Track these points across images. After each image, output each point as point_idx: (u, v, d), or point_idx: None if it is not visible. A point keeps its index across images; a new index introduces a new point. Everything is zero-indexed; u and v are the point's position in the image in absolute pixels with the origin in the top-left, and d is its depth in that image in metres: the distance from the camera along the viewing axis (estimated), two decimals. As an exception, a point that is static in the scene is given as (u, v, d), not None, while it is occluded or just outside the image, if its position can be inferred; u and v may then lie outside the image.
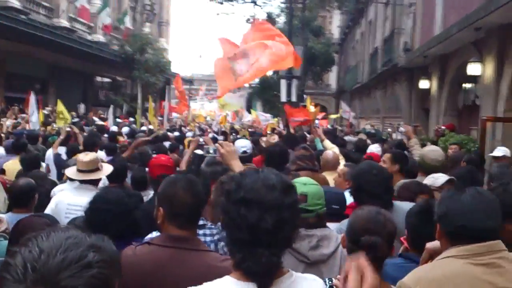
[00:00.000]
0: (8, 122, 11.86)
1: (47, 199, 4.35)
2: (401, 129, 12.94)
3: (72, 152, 7.18)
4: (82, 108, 22.84)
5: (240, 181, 1.63)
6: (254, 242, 1.55)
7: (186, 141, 10.31)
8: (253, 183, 1.61)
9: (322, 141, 6.80)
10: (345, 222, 3.28)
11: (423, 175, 4.66)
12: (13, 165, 6.43)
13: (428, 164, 4.71)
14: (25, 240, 1.07)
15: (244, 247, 1.57)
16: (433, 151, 4.83)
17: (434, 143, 8.17)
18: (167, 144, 9.47)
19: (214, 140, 7.86)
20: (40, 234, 1.07)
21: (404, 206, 3.19)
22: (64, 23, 25.91)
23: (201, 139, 5.46)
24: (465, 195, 2.07)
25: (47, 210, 4.09)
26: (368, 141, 9.61)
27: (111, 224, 2.70)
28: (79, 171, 4.40)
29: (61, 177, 6.16)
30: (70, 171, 4.50)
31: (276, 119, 27.25)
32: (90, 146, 7.03)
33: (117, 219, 2.75)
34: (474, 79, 11.33)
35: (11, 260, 1.02)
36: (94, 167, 4.43)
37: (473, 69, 10.53)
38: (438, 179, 4.07)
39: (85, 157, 4.46)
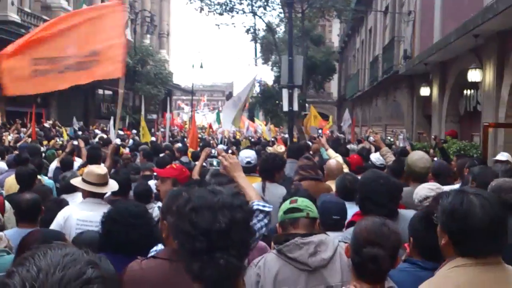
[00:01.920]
0: (9, 137, 11.88)
1: (50, 213, 4.26)
2: (371, 138, 12.95)
3: (66, 165, 7.19)
4: (76, 123, 22.79)
5: (189, 196, 1.68)
6: (210, 247, 1.55)
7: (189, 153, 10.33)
8: (200, 193, 1.66)
9: (326, 150, 6.83)
10: (350, 230, 3.28)
11: (414, 183, 4.61)
12: (14, 180, 6.41)
13: (418, 172, 4.68)
14: (22, 259, 1.05)
15: (201, 255, 1.57)
16: (421, 159, 4.79)
17: (442, 150, 8.16)
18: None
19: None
20: (37, 253, 1.05)
21: (409, 214, 3.18)
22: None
23: (213, 150, 5.48)
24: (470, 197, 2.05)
25: (54, 225, 4.00)
26: (372, 149, 9.62)
27: (132, 237, 2.74)
28: (90, 183, 4.29)
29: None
30: (79, 183, 4.39)
31: (270, 125, 27.30)
32: (94, 159, 7.03)
33: (139, 233, 2.78)
34: (475, 85, 11.35)
35: (9, 281, 1.00)
36: (105, 180, 4.39)
37: (473, 75, 10.55)
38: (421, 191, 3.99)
39: (98, 170, 4.39)
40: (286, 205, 2.78)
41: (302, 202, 2.76)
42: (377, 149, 8.04)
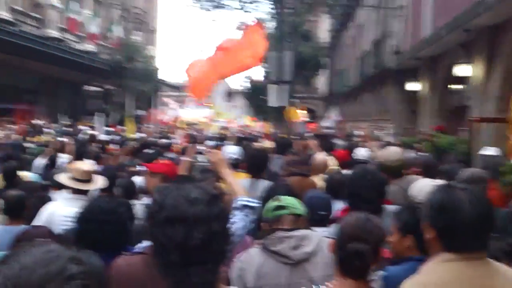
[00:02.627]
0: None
1: (36, 209, 4.25)
2: (356, 132, 12.98)
3: (52, 161, 7.13)
4: (62, 119, 22.65)
5: (162, 201, 1.57)
6: (184, 262, 1.49)
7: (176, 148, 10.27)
8: (175, 200, 1.55)
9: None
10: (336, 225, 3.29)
11: (392, 179, 4.44)
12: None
13: (390, 166, 4.54)
14: (5, 257, 1.05)
15: (175, 270, 1.51)
16: (393, 153, 4.68)
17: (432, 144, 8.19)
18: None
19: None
20: (20, 250, 1.05)
21: (393, 209, 3.20)
22: (54, 33, 25.85)
23: (199, 147, 5.47)
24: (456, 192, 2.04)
25: (37, 221, 4.00)
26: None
27: (106, 234, 2.69)
28: (76, 180, 4.28)
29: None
30: (64, 179, 4.38)
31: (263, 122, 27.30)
32: (80, 155, 6.98)
33: (112, 230, 2.73)
34: (463, 80, 11.40)
35: None
36: (91, 177, 4.37)
37: (461, 70, 10.59)
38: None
39: (84, 166, 4.38)
40: (271, 204, 2.80)
41: (285, 200, 2.79)
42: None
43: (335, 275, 2.26)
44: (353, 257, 2.16)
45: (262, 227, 2.81)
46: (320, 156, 5.82)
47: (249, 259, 2.65)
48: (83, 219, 2.81)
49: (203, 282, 1.51)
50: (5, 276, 0.99)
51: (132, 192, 4.95)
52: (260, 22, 7.69)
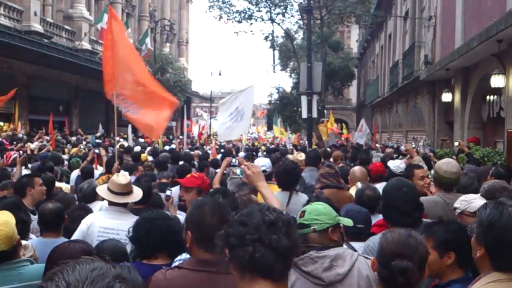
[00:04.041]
0: (32, 145, 12.04)
1: (73, 222, 4.30)
2: (402, 147, 12.76)
3: (86, 173, 7.23)
4: (101, 130, 23.18)
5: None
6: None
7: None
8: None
9: (413, 157, 6.86)
10: (372, 238, 3.23)
11: (439, 190, 4.37)
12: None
13: (442, 177, 4.32)
14: (51, 274, 1.06)
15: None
16: (447, 163, 4.42)
17: (469, 155, 8.03)
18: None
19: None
20: (66, 267, 1.06)
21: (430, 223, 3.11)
22: (86, 45, 26.39)
23: (233, 160, 5.46)
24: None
25: (77, 233, 4.05)
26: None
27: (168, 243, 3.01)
28: (113, 192, 4.32)
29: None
30: (102, 192, 4.42)
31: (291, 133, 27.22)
32: (108, 170, 7.04)
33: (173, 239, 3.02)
34: (498, 90, 11.18)
35: None
36: (128, 190, 4.40)
37: (496, 81, 10.39)
38: (472, 203, 3.60)
39: (121, 179, 4.39)
40: (297, 218, 2.69)
41: (309, 214, 2.65)
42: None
43: None
44: (397, 275, 2.11)
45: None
46: (358, 167, 5.80)
47: None
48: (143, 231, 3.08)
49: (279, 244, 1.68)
50: None
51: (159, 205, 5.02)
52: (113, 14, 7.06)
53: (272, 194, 3.22)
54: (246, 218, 1.73)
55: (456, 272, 2.57)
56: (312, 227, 2.58)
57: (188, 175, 4.74)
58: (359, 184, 4.95)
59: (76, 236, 4.01)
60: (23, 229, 3.69)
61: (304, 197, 4.74)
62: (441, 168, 4.32)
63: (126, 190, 4.34)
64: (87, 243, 3.28)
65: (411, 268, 2.11)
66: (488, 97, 12.58)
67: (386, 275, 2.16)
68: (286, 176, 4.92)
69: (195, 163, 9.88)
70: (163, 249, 3.04)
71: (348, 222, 2.75)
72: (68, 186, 7.30)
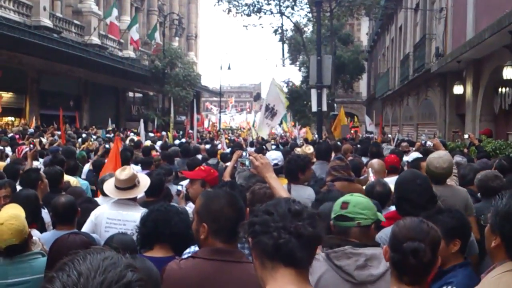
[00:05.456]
0: (44, 139, 12.12)
1: (83, 215, 4.35)
2: (429, 143, 12.65)
3: (97, 167, 7.24)
4: (110, 125, 23.35)
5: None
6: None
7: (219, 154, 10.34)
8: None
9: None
10: (385, 230, 3.20)
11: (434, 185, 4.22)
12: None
13: (432, 171, 4.28)
14: (62, 264, 1.05)
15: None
16: (438, 158, 4.37)
17: (478, 148, 7.97)
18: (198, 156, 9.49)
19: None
20: (76, 257, 1.05)
21: None
22: (95, 40, 26.46)
23: (244, 153, 5.46)
24: None
25: (87, 224, 4.14)
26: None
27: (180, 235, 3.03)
28: (117, 188, 4.35)
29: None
30: (109, 188, 4.45)
31: (305, 128, 27.17)
32: (123, 161, 7.07)
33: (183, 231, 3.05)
34: (510, 82, 11.06)
35: (49, 286, 1.00)
36: (131, 184, 4.40)
37: (508, 73, 10.28)
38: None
39: (122, 174, 4.42)
40: (337, 208, 2.62)
41: (354, 207, 2.56)
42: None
43: (392, 284, 2.17)
44: (409, 255, 2.05)
45: (331, 228, 2.64)
46: (377, 160, 5.79)
47: (313, 265, 2.57)
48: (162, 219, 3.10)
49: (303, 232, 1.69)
50: (63, 283, 0.99)
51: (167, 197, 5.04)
52: None
53: (281, 186, 3.23)
54: (271, 208, 1.74)
55: (459, 257, 2.62)
56: (356, 222, 2.53)
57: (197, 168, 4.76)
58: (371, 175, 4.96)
59: (86, 227, 4.12)
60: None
61: (308, 190, 4.79)
62: (432, 163, 4.34)
63: (128, 185, 4.35)
64: (87, 234, 3.32)
65: (422, 248, 2.06)
66: (500, 89, 12.44)
67: (398, 259, 2.11)
68: (289, 168, 4.98)
69: (199, 157, 9.86)
70: (166, 241, 3.05)
71: (382, 218, 2.73)
72: (81, 179, 7.31)
